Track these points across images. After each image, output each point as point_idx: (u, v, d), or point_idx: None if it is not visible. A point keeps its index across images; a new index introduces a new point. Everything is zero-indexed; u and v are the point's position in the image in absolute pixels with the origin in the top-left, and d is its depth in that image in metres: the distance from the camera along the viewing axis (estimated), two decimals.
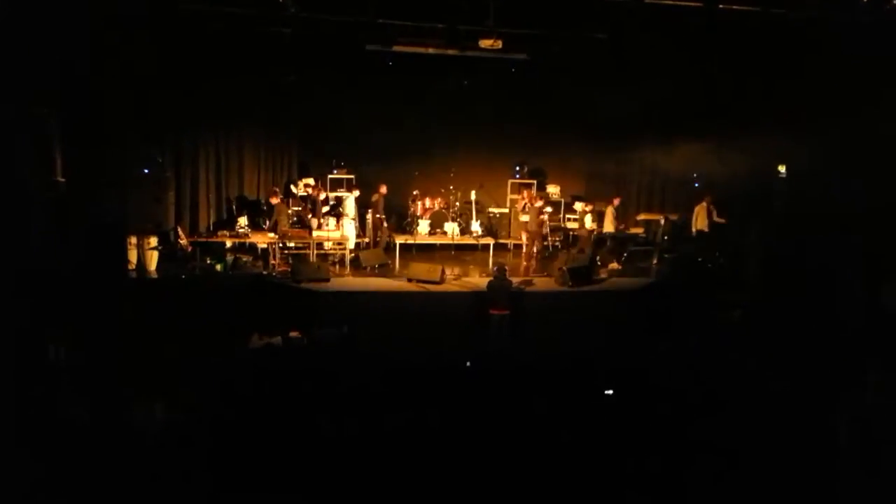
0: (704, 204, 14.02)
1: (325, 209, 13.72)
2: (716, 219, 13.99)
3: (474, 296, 10.94)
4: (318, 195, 13.70)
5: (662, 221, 14.48)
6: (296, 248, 13.09)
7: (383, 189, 13.81)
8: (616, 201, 14.19)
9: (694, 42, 11.51)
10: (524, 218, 14.02)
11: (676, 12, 10.22)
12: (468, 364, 9.19)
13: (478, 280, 11.80)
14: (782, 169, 12.78)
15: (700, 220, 14.11)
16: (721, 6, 10.05)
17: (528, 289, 11.35)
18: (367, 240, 14.12)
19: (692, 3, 10.06)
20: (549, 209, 13.97)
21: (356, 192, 13.89)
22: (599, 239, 13.92)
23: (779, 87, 11.88)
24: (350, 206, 13.81)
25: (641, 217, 15.26)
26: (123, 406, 7.34)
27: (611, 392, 8.15)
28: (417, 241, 13.80)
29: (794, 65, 11.50)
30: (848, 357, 8.33)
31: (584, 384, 8.20)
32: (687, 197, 15.06)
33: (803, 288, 10.69)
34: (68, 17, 8.66)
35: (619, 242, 14.08)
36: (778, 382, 8.07)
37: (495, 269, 10.81)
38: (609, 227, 13.94)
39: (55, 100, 8.83)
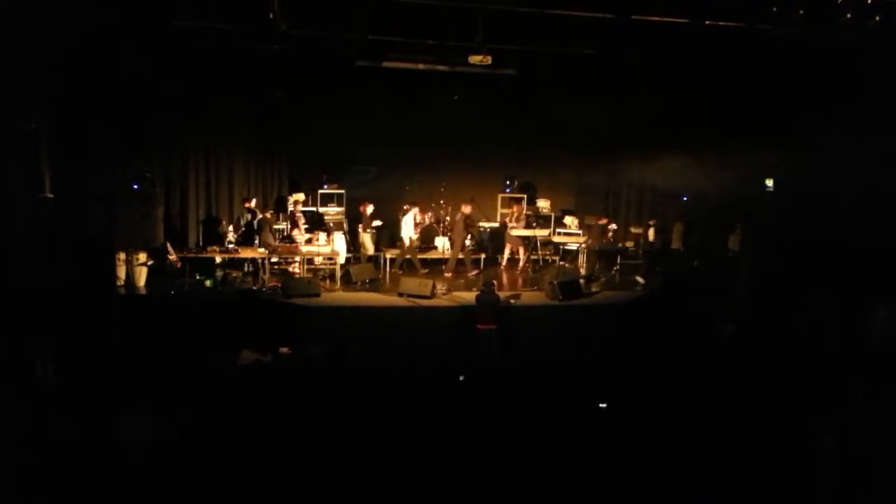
0: (414, 213, 13.68)
1: (377, 223, 13.95)
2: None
3: (467, 311, 10.90)
4: (364, 210, 13.73)
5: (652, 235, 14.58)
6: (286, 262, 13.08)
7: (466, 209, 13.64)
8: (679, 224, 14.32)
9: (681, 57, 11.62)
10: (518, 232, 14.05)
11: (663, 28, 10.33)
12: (461, 378, 9.16)
13: (468, 294, 11.79)
14: (769, 182, 12.89)
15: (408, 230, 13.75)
16: (707, 22, 10.16)
17: (518, 303, 11.34)
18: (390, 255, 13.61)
19: (678, 20, 10.17)
20: (613, 226, 13.97)
21: (416, 209, 13.69)
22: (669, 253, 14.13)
23: (764, 101, 12.00)
24: (408, 224, 13.55)
25: (631, 230, 15.35)
26: (112, 422, 7.26)
27: (604, 405, 8.15)
28: (407, 256, 13.80)
29: (779, 79, 11.63)
30: (833, 377, 8.36)
31: (574, 397, 8.20)
32: (675, 210, 15.19)
33: (791, 304, 10.74)
34: (56, 33, 8.66)
35: (609, 256, 14.16)
36: (767, 396, 8.09)
37: (483, 283, 10.81)
38: (678, 243, 14.01)
39: (43, 115, 8.82)
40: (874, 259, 10.26)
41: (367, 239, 13.69)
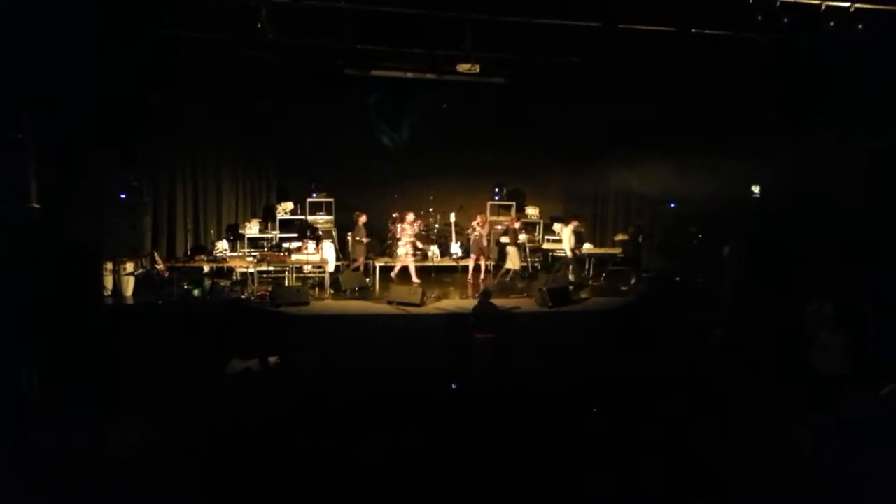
0: (572, 226, 13.70)
1: (522, 238, 14.08)
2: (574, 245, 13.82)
3: (457, 319, 10.87)
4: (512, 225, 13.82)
5: (640, 241, 14.63)
6: (274, 271, 13.05)
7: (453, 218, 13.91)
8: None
9: (667, 65, 11.72)
10: (511, 244, 14.02)
11: (649, 36, 10.41)
12: (454, 387, 9.14)
13: (458, 302, 11.79)
14: (756, 189, 12.99)
15: (565, 241, 13.79)
16: (693, 30, 10.26)
17: (507, 308, 11.32)
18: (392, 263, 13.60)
19: (665, 28, 10.26)
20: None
21: (575, 222, 13.75)
22: None
23: (751, 108, 12.10)
24: (566, 236, 13.60)
25: (618, 237, 15.42)
26: (99, 434, 7.20)
27: (595, 410, 8.17)
28: (397, 264, 13.80)
29: (765, 86, 11.74)
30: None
31: (567, 403, 8.21)
32: (663, 217, 15.28)
33: (776, 309, 10.78)
34: (42, 43, 8.62)
35: (598, 262, 14.22)
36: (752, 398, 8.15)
37: (479, 293, 10.77)
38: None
39: (29, 125, 8.76)
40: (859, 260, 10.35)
41: (514, 253, 13.67)
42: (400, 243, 13.35)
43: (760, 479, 6.51)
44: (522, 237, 14.33)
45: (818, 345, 7.84)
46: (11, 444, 6.79)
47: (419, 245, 13.53)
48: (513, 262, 13.63)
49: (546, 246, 15.13)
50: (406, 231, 13.33)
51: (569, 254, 13.59)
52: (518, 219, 14.71)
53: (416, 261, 13.37)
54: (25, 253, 8.37)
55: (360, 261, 13.36)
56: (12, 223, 8.38)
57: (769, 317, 10.29)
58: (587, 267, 14.40)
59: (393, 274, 13.32)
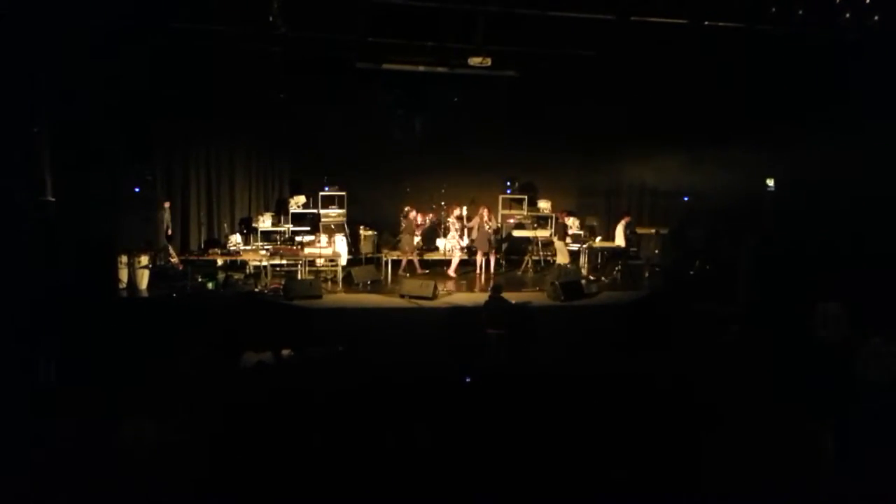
0: (624, 222, 14.07)
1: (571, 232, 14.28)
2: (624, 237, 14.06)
3: (469, 313, 10.86)
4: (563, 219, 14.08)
5: (654, 235, 14.55)
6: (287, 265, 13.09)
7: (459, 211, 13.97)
8: None
9: (680, 58, 11.63)
10: (560, 239, 13.96)
11: (663, 29, 10.34)
12: (468, 380, 9.14)
13: (470, 295, 11.78)
14: (771, 182, 12.88)
15: (619, 238, 14.09)
16: (707, 23, 10.18)
17: (520, 303, 11.31)
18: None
19: (678, 21, 10.19)
20: None
21: (627, 219, 14.10)
22: None
23: (765, 101, 12.00)
24: (619, 233, 13.92)
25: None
26: (113, 425, 7.26)
27: (606, 405, 8.14)
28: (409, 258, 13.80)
29: (779, 80, 11.63)
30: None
31: (580, 398, 8.19)
32: (677, 210, 15.19)
33: (791, 304, 10.70)
34: (58, 37, 8.69)
35: (610, 256, 14.17)
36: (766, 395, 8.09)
37: (491, 288, 10.75)
38: None
39: (45, 119, 8.84)
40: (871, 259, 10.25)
41: (562, 248, 13.75)
42: (448, 237, 13.52)
43: (775, 479, 6.46)
44: (571, 232, 14.35)
45: (869, 352, 7.62)
46: (28, 437, 6.86)
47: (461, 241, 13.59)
48: (563, 256, 13.61)
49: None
50: (454, 225, 13.48)
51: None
52: (567, 213, 14.63)
53: (462, 255, 13.56)
54: (41, 246, 8.47)
55: (411, 256, 13.39)
56: (28, 216, 8.48)
57: (785, 314, 10.23)
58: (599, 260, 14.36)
59: (451, 271, 13.35)
